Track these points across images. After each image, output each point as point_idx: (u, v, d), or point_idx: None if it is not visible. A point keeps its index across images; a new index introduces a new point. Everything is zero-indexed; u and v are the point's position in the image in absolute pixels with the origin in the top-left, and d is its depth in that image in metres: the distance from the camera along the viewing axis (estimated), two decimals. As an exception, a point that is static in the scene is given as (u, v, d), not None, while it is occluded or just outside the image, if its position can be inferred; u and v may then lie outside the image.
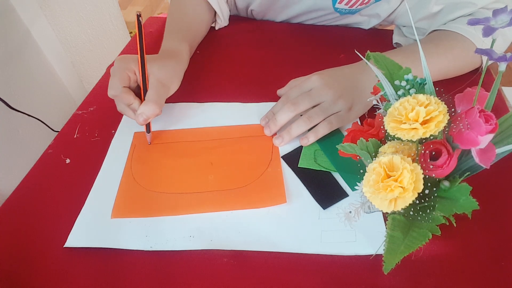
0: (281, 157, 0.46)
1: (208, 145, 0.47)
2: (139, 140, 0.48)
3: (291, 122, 0.46)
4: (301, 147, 0.46)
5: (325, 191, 0.42)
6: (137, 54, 0.45)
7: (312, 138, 0.45)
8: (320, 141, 0.46)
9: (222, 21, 0.68)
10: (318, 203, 0.41)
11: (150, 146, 0.47)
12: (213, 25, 0.70)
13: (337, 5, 0.63)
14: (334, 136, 0.47)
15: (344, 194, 0.41)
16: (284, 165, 0.45)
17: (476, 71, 0.57)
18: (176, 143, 0.48)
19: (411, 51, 0.52)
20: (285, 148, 0.47)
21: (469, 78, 0.56)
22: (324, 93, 0.46)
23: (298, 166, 0.44)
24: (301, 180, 0.43)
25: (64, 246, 0.37)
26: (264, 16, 0.73)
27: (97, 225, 0.39)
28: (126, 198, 0.41)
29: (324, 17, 0.68)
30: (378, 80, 0.34)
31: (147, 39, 0.68)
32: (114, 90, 0.44)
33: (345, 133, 0.40)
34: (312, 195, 0.41)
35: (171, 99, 0.54)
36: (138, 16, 0.42)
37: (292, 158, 0.45)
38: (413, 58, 0.50)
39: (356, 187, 0.32)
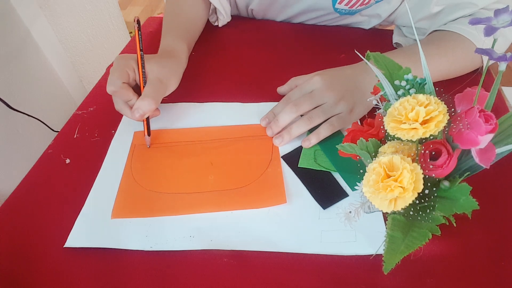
0: (281, 157, 0.46)
1: (208, 145, 0.47)
2: (139, 139, 0.48)
3: (292, 122, 0.46)
4: (301, 147, 0.46)
5: (325, 191, 0.42)
6: (136, 53, 0.46)
7: (314, 140, 0.45)
8: (320, 141, 0.46)
9: (225, 17, 0.68)
10: (318, 203, 0.41)
11: (150, 146, 0.47)
12: (216, 23, 0.70)
13: (337, 5, 0.63)
14: (334, 136, 0.47)
15: (344, 194, 0.41)
16: (284, 165, 0.45)
17: (476, 71, 0.57)
18: (176, 143, 0.48)
19: (412, 52, 0.52)
20: (285, 148, 0.47)
21: (469, 78, 0.56)
22: (326, 95, 0.46)
23: (298, 166, 0.44)
24: (301, 180, 0.43)
25: (64, 246, 0.37)
26: (264, 16, 0.73)
27: (97, 225, 0.39)
28: (126, 198, 0.41)
29: (324, 17, 0.68)
30: (378, 80, 0.34)
31: (146, 39, 0.68)
32: (113, 86, 0.44)
33: (345, 133, 0.40)
34: (312, 195, 0.41)
35: (171, 99, 0.54)
36: (137, 20, 0.47)
37: (292, 158, 0.45)
38: (414, 59, 0.50)
39: (356, 187, 0.32)
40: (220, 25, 0.70)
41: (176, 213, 0.40)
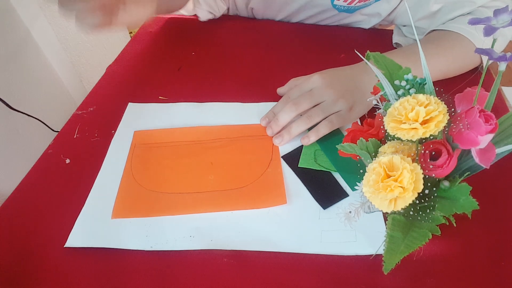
0: (281, 157, 0.46)
1: (208, 145, 0.47)
2: (139, 139, 0.48)
3: (291, 122, 0.46)
4: (301, 147, 0.46)
5: (325, 191, 0.42)
6: None
7: (313, 137, 0.45)
8: (320, 141, 0.46)
9: (203, 7, 0.65)
10: (318, 203, 0.41)
11: (151, 145, 0.47)
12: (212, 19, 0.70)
13: (335, 2, 0.63)
14: (334, 136, 0.47)
15: (344, 194, 0.41)
16: (284, 165, 0.45)
17: (476, 70, 0.57)
18: (177, 142, 0.48)
19: (411, 52, 0.52)
20: (285, 148, 0.47)
21: (469, 78, 0.56)
22: (325, 92, 0.46)
23: (298, 166, 0.44)
24: (301, 180, 0.43)
25: (64, 246, 0.37)
26: (264, 14, 0.73)
27: (98, 225, 0.39)
28: (126, 198, 0.41)
29: (323, 15, 0.68)
30: (378, 80, 0.34)
31: (146, 39, 0.68)
32: None
33: (345, 133, 0.40)
34: (312, 195, 0.41)
35: (172, 99, 0.54)
36: None
37: (292, 158, 0.45)
38: (414, 58, 0.50)
39: (356, 187, 0.32)
40: (200, 17, 0.69)
41: (176, 213, 0.40)
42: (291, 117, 0.46)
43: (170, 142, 0.48)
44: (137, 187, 0.42)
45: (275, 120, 0.47)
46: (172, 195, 0.42)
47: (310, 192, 0.42)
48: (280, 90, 0.54)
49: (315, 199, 0.41)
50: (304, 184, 0.43)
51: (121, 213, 0.40)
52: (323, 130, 0.45)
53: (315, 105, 0.46)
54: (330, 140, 0.46)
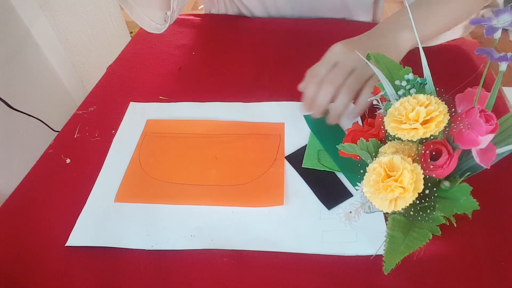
0: (285, 157, 0.46)
1: (215, 140, 0.48)
2: (150, 128, 0.49)
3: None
4: (305, 147, 0.46)
5: (329, 191, 0.42)
6: None
7: (360, 109, 0.44)
8: (323, 141, 0.46)
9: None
10: (323, 203, 0.40)
11: (160, 135, 0.48)
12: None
13: None
14: (337, 137, 0.47)
15: (348, 195, 0.41)
16: (287, 165, 0.45)
17: (476, 71, 0.57)
18: (185, 134, 0.48)
19: (425, 2, 0.50)
20: (288, 148, 0.47)
21: (469, 78, 0.56)
22: (352, 58, 0.44)
23: (302, 166, 0.44)
24: (305, 181, 0.43)
25: (65, 245, 0.37)
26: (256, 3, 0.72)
27: (99, 224, 0.39)
28: (131, 183, 0.42)
29: None
30: (379, 81, 0.34)
31: (147, 39, 0.68)
32: None
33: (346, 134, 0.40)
34: (316, 195, 0.41)
35: (172, 99, 0.54)
36: None
37: (296, 159, 0.45)
38: (427, 9, 0.48)
39: (356, 187, 0.32)
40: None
41: (175, 202, 0.41)
42: (329, 97, 0.44)
43: (179, 133, 0.48)
44: (143, 174, 0.43)
45: (317, 106, 0.45)
46: (174, 185, 0.42)
47: (314, 192, 0.42)
48: (301, 86, 0.49)
49: (319, 199, 0.41)
50: (308, 185, 0.42)
51: (124, 197, 0.41)
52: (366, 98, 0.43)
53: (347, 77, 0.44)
54: (333, 140, 0.46)
